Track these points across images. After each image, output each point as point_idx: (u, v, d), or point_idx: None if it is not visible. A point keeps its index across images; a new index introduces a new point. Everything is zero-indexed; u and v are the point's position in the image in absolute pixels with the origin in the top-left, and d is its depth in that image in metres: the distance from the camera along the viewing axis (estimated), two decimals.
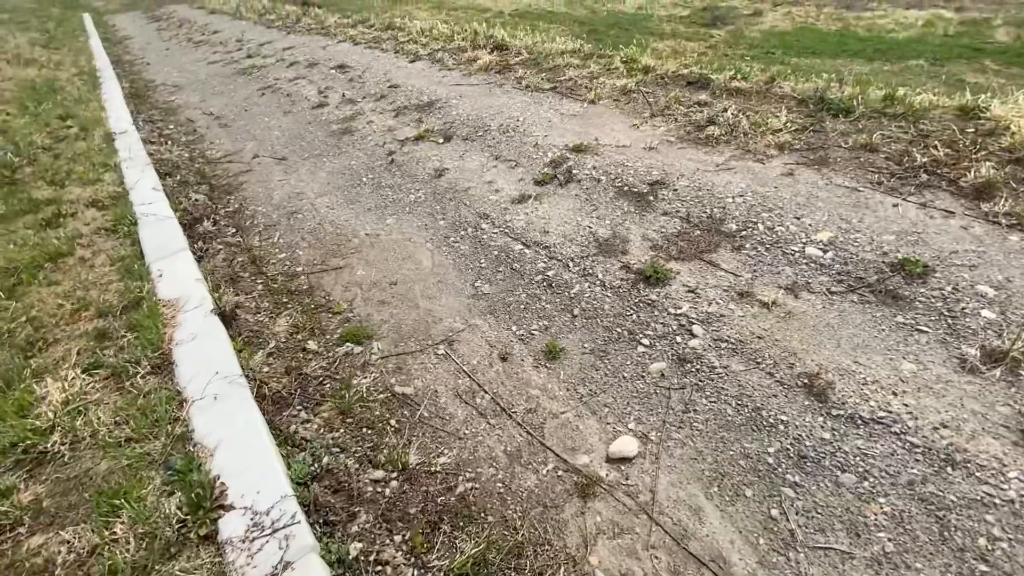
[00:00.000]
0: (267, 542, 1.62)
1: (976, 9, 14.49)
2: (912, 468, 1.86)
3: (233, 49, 9.55)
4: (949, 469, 1.84)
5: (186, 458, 1.88)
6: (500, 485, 2.03)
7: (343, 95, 6.33)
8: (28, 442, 2.00)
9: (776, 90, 4.48)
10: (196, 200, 4.16)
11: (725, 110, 4.29)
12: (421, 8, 19.55)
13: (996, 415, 1.98)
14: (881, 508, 1.78)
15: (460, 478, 2.06)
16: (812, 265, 2.70)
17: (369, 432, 2.24)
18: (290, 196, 4.35)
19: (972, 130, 3.52)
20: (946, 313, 2.36)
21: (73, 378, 2.27)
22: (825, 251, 2.76)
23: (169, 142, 5.63)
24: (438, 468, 2.09)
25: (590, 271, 2.97)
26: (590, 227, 3.32)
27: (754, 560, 1.71)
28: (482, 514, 1.91)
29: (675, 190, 3.48)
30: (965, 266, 2.56)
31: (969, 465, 1.84)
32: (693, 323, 2.51)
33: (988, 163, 3.15)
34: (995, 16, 13.83)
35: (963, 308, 2.36)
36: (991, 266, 2.55)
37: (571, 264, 3.05)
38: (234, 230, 3.93)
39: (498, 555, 1.77)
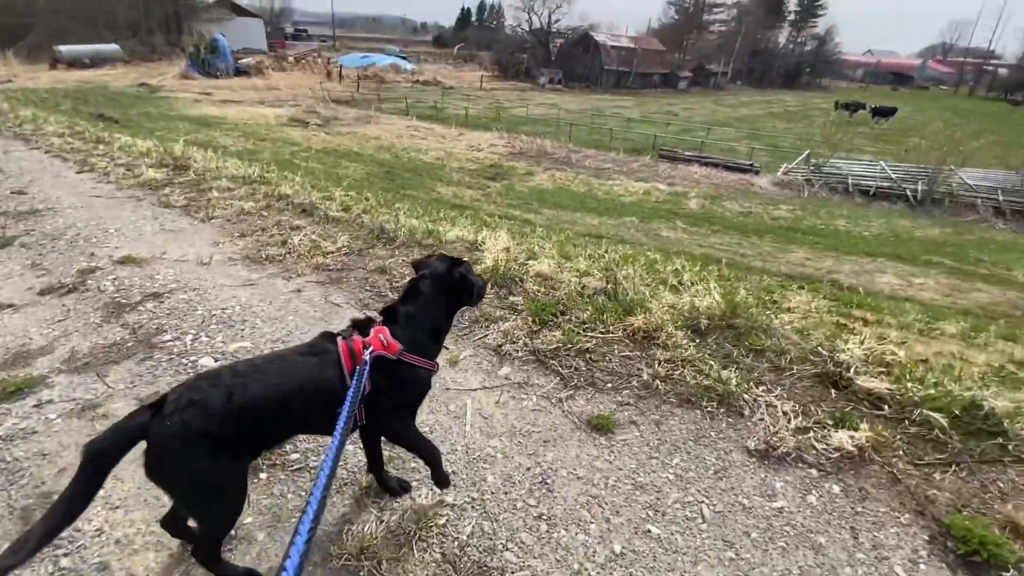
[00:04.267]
0: None
1: (680, 184, 18.95)
2: None
3: None
4: None
5: None
6: None
7: None
8: None
9: (361, 221, 4.95)
10: None
11: (306, 235, 4.57)
12: (228, 134, 19.82)
13: None
14: None
15: None
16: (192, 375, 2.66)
17: None
18: None
19: (468, 258, 4.12)
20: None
21: None
22: (217, 360, 2.77)
23: None
24: None
25: None
26: (29, 336, 3.00)
27: None
28: None
29: (162, 302, 3.40)
30: None
31: None
32: None
33: None
34: (691, 191, 18.17)
35: None
36: None
37: None
38: None
39: None
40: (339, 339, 1.63)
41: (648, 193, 17.62)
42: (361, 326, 1.70)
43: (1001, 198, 17.48)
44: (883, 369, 2.68)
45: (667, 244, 12.52)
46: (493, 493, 2.03)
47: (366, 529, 1.83)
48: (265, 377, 1.48)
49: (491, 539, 1.83)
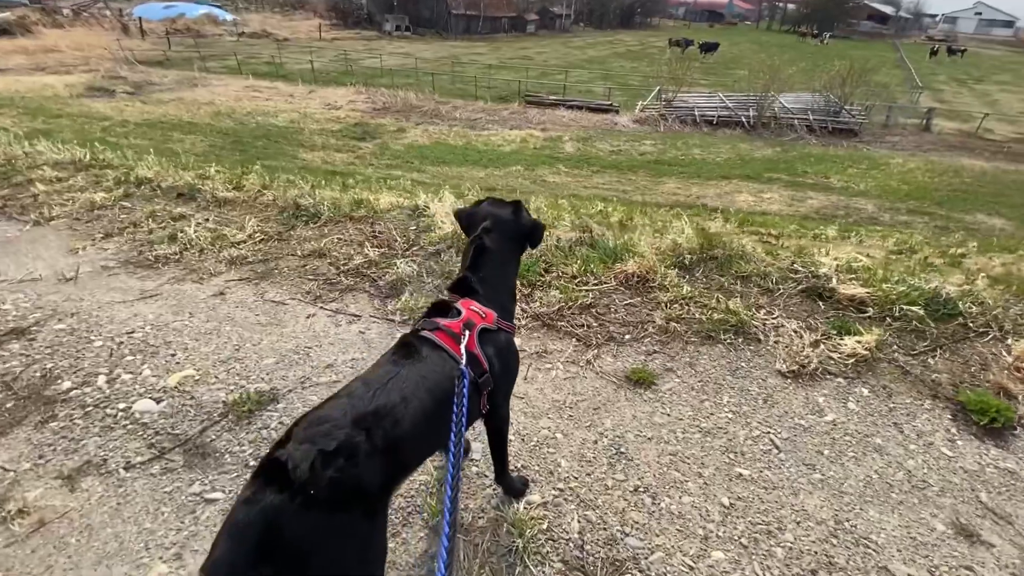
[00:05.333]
0: None
1: (552, 129, 19.25)
2: None
3: None
4: None
5: None
6: None
7: None
8: None
9: (264, 199, 4.15)
10: None
11: (199, 224, 3.69)
12: (2, 113, 15.43)
13: None
14: None
15: None
16: (131, 427, 2.01)
17: None
18: None
19: (415, 226, 3.68)
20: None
21: None
22: (160, 401, 2.12)
23: None
24: None
25: None
26: None
27: None
28: None
29: (32, 339, 2.52)
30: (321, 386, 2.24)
31: None
32: None
33: (409, 260, 3.21)
34: (564, 134, 18.57)
35: None
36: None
37: None
38: None
39: None
40: (426, 333, 1.33)
41: (525, 141, 17.61)
42: (442, 309, 1.41)
43: (812, 117, 20.53)
44: (853, 276, 2.93)
45: (557, 189, 12.72)
46: (576, 478, 1.83)
47: (462, 559, 1.54)
48: (392, 398, 1.12)
49: (604, 528, 1.65)
